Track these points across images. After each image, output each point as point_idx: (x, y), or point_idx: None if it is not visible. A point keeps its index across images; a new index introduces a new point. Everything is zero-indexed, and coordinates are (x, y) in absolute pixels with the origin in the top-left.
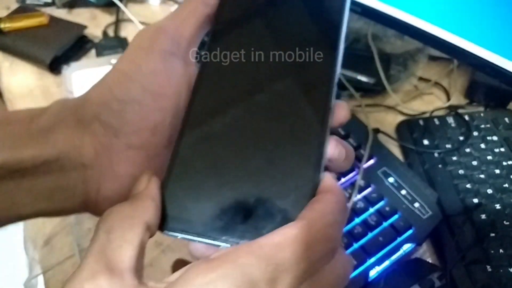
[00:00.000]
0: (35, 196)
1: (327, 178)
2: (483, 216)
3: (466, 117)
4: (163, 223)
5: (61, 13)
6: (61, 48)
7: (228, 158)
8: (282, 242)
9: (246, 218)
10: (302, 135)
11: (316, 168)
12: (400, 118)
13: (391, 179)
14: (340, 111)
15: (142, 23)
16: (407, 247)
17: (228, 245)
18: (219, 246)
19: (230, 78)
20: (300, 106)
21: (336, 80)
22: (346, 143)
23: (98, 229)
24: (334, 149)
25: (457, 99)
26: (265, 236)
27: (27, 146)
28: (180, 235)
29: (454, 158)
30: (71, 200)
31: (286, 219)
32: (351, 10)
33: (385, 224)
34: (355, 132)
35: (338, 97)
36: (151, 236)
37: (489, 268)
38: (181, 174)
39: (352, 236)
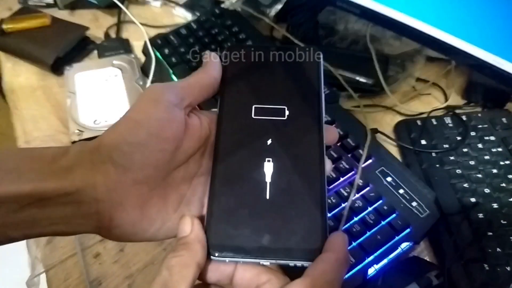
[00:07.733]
0: (54, 220)
1: (334, 237)
2: (481, 215)
3: (464, 117)
4: (209, 251)
5: (63, 14)
6: (63, 49)
7: (253, 200)
8: None
9: (270, 244)
10: (307, 193)
11: (319, 214)
12: (398, 118)
13: (389, 179)
14: (330, 135)
15: (143, 24)
16: (405, 245)
17: (267, 263)
18: (259, 263)
19: (240, 139)
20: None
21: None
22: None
23: (162, 267)
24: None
25: (454, 99)
26: None
27: (50, 181)
28: (227, 259)
29: (452, 158)
30: (85, 225)
31: (299, 248)
32: (350, 12)
33: (383, 222)
34: (354, 132)
35: (337, 97)
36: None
37: (486, 266)
38: (220, 213)
39: (350, 235)
